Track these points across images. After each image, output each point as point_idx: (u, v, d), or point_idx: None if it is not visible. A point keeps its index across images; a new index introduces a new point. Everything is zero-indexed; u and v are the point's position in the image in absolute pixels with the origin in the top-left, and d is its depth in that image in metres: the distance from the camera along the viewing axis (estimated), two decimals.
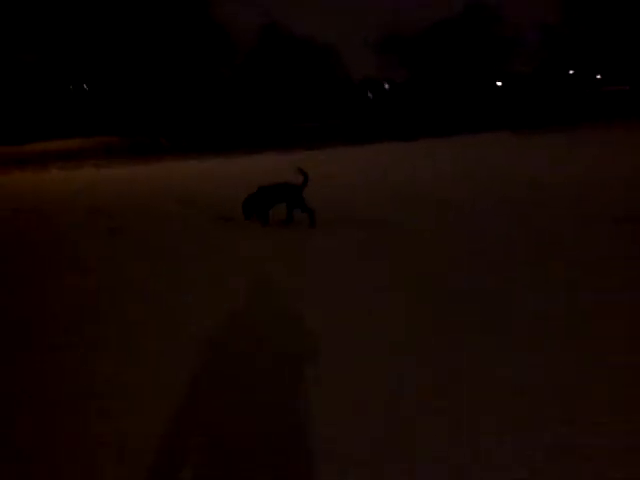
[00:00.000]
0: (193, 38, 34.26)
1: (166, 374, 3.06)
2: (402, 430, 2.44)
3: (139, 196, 11.43)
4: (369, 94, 51.60)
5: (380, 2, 72.61)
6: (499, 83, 46.96)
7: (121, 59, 33.31)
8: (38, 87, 42.00)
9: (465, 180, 10.33)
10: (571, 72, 44.24)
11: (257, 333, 3.58)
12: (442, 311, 3.77)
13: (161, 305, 4.26)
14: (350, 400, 2.69)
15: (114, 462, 2.33)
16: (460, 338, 3.31)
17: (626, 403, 2.56)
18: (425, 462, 2.23)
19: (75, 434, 2.57)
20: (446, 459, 2.24)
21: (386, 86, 51.49)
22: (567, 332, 3.33)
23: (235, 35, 38.91)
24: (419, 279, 4.50)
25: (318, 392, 2.79)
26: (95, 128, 34.35)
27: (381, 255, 5.40)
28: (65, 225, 8.28)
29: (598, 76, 43.97)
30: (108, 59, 33.64)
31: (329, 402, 2.69)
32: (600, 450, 2.24)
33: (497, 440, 2.33)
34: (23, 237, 7.60)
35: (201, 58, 35.55)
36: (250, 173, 13.65)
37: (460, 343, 3.25)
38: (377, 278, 4.61)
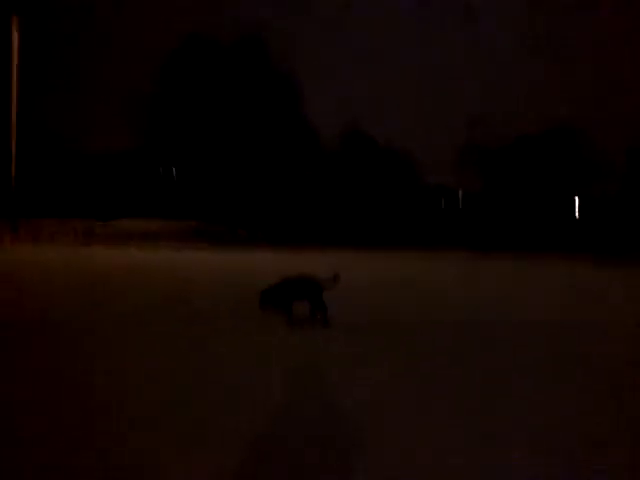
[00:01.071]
0: (280, 133, 36.08)
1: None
2: None
3: (212, 283, 11.43)
4: (442, 201, 51.93)
5: (463, 110, 74.93)
6: (577, 206, 46.08)
7: (211, 149, 35.45)
8: (131, 167, 45.40)
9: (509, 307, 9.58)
10: None
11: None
12: None
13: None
14: None
15: None
16: None
17: None
18: None
19: None
20: None
21: (460, 195, 51.75)
22: None
23: (320, 133, 40.65)
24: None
25: None
26: (177, 211, 36.11)
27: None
28: (136, 306, 8.20)
29: None
30: (198, 148, 35.91)
31: None
32: None
33: None
34: (89, 314, 7.53)
35: (286, 154, 37.21)
36: (316, 269, 13.45)
37: None
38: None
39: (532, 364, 5.60)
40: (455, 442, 3.37)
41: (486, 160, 47.23)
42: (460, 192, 51.64)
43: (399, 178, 48.82)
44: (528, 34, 72.08)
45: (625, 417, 4.12)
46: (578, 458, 3.25)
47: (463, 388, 4.59)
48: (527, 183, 45.23)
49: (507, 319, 8.27)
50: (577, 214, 46.06)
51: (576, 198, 46.09)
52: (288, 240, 25.36)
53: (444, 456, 3.15)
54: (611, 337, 7.20)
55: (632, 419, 4.05)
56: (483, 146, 46.86)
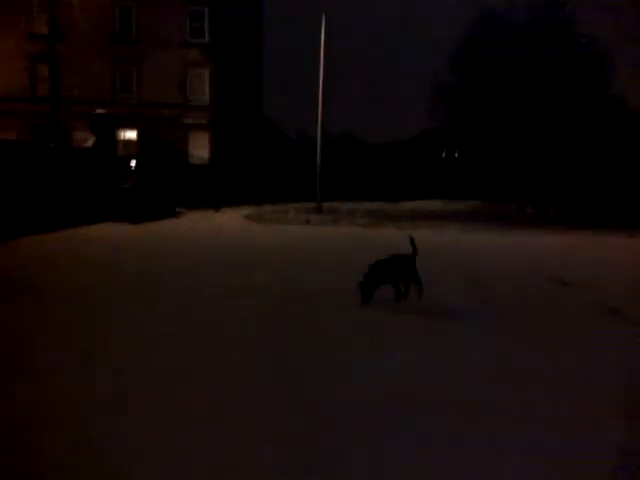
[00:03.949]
0: (581, 110, 32.49)
1: None
2: None
3: (504, 267, 11.03)
4: None
5: None
6: None
7: (498, 128, 33.95)
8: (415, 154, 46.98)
9: None
10: None
11: None
12: None
13: None
14: None
15: None
16: None
17: None
18: None
19: None
20: None
21: None
22: None
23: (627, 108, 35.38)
24: None
25: None
26: (461, 192, 35.85)
27: None
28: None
29: None
30: (485, 129, 34.82)
31: None
32: None
33: None
34: None
35: (582, 130, 33.37)
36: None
37: None
38: None
39: None
40: None
41: None
42: None
43: None
44: None
45: None
46: None
47: None
48: None
49: None
50: None
51: None
52: (581, 220, 22.87)
53: None
54: None
55: None
56: None
